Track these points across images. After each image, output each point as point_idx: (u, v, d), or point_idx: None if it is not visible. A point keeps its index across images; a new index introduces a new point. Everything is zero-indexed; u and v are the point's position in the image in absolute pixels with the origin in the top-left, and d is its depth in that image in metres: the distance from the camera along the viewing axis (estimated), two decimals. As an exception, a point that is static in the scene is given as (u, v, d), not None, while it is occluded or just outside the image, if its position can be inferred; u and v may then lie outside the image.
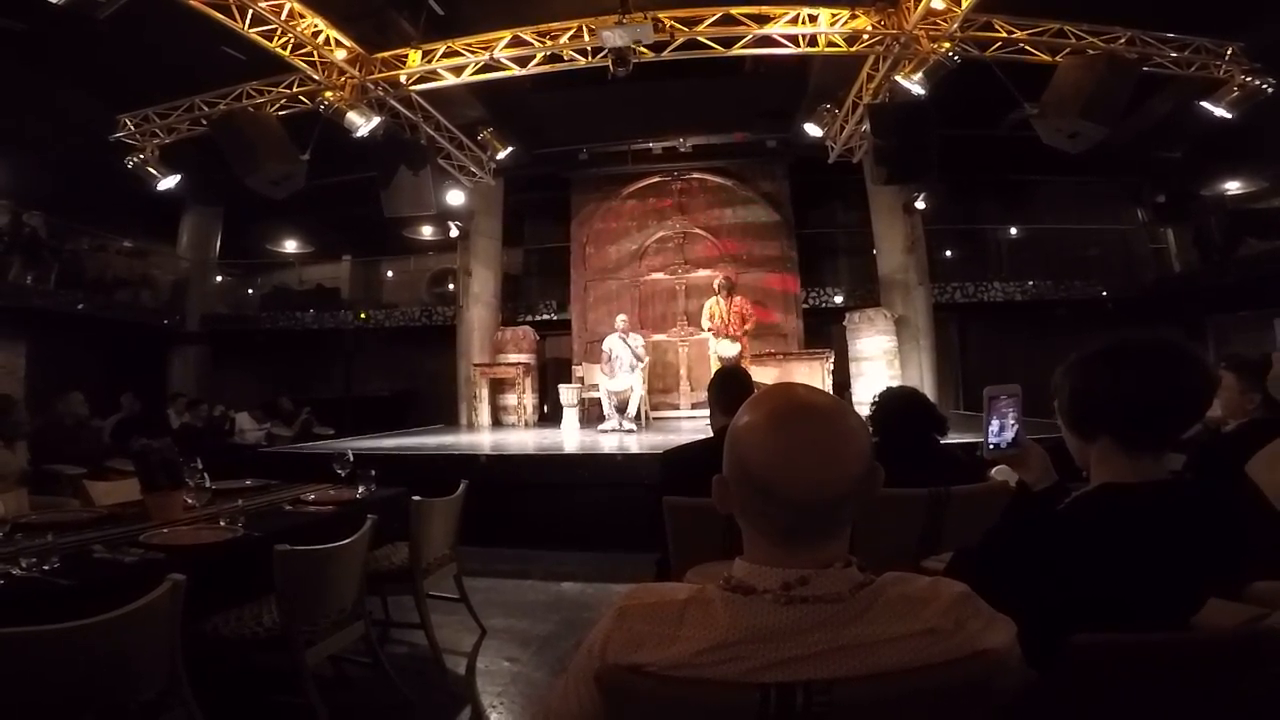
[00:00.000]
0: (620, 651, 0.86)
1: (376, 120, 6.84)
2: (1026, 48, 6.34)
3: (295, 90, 6.98)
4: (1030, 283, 10.55)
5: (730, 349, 7.70)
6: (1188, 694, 0.99)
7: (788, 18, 6.37)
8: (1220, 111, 6.46)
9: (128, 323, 11.02)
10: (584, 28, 6.40)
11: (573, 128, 9.66)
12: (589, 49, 6.49)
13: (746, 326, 7.90)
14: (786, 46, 6.50)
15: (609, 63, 6.24)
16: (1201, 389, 1.19)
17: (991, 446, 1.37)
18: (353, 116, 6.66)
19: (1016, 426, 1.37)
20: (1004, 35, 6.24)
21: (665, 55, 6.49)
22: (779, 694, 0.81)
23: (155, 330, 11.48)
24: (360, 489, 3.13)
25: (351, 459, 3.26)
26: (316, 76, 6.63)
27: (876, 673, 0.82)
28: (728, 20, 6.37)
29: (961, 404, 10.07)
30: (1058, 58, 6.27)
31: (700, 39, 6.40)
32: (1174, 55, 6.41)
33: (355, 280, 13.62)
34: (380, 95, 7.11)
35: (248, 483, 3.47)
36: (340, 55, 6.59)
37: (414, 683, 2.79)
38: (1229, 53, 6.39)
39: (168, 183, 7.39)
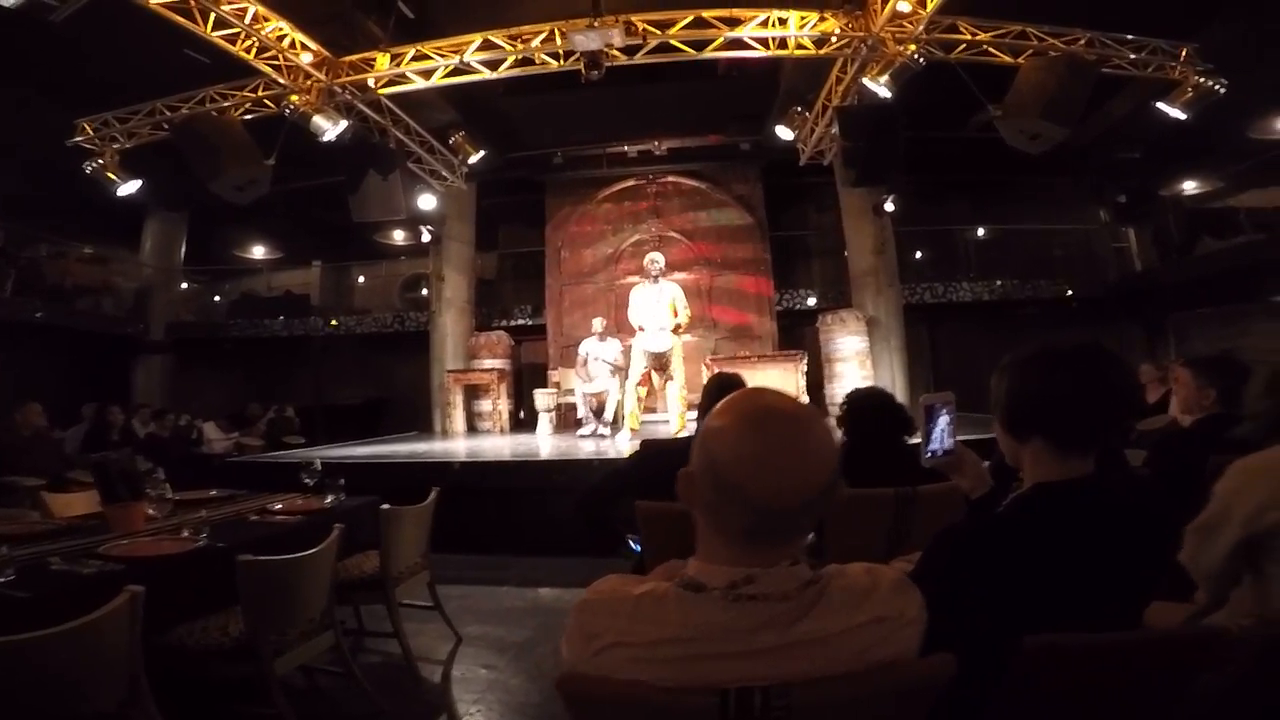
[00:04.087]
0: (581, 646, 0.88)
1: (344, 124, 6.76)
2: (990, 50, 6.44)
3: (260, 94, 6.86)
4: (998, 282, 10.74)
5: (660, 343, 6.64)
6: (1141, 695, 1.00)
7: (758, 20, 6.42)
8: (1175, 112, 6.61)
9: (89, 332, 10.73)
10: (555, 31, 6.39)
11: (546, 131, 9.64)
12: (561, 52, 6.47)
13: (679, 320, 6.72)
14: (757, 49, 6.55)
15: (581, 66, 6.24)
16: (1129, 392, 1.25)
17: (929, 454, 1.41)
18: (319, 120, 6.57)
19: (952, 433, 1.41)
20: (968, 37, 6.34)
21: (638, 59, 6.51)
22: (737, 698, 0.81)
23: (118, 339, 11.20)
24: (329, 498, 3.08)
25: (319, 468, 3.21)
26: (282, 80, 6.54)
27: (834, 670, 0.83)
28: (699, 23, 6.39)
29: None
30: (1020, 59, 6.37)
31: (672, 42, 6.42)
32: (1132, 57, 6.55)
33: (326, 286, 13.42)
34: (348, 99, 7.03)
35: (213, 493, 3.41)
36: (306, 59, 6.51)
37: (389, 692, 2.74)
38: (1183, 54, 6.54)
39: (128, 188, 7.22)
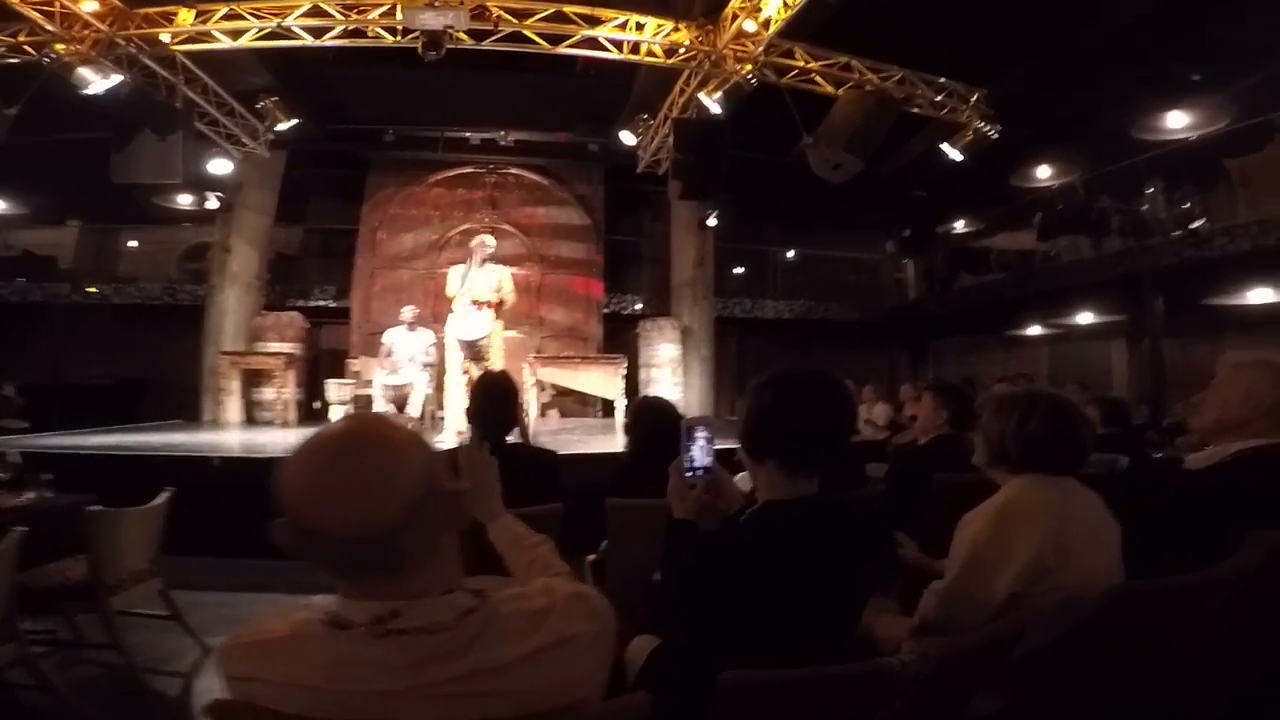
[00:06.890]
0: (229, 689, 0.82)
1: (117, 78, 6.05)
2: (817, 79, 6.84)
3: (20, 40, 5.94)
4: (799, 302, 11.65)
5: (474, 329, 5.92)
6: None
7: (617, 22, 6.44)
8: (954, 154, 7.25)
9: None
10: (396, 6, 6.03)
11: (379, 106, 9.02)
12: (399, 28, 6.10)
13: (502, 296, 5.98)
14: (611, 51, 6.57)
15: (419, 45, 5.87)
16: (848, 418, 1.37)
17: (687, 474, 1.47)
18: (84, 72, 5.86)
19: (710, 452, 1.49)
20: (801, 64, 6.71)
21: (486, 45, 6.31)
22: None
23: None
24: (28, 494, 2.54)
25: (19, 460, 2.63)
26: (50, 27, 5.71)
27: (518, 699, 0.79)
28: (559, 17, 6.31)
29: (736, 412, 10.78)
30: (840, 90, 6.79)
31: (526, 33, 6.27)
32: (935, 98, 7.15)
33: (83, 249, 11.39)
34: (131, 52, 6.26)
35: None
36: (89, 7, 5.78)
37: (112, 707, 2.55)
38: (974, 99, 7.20)
39: None
